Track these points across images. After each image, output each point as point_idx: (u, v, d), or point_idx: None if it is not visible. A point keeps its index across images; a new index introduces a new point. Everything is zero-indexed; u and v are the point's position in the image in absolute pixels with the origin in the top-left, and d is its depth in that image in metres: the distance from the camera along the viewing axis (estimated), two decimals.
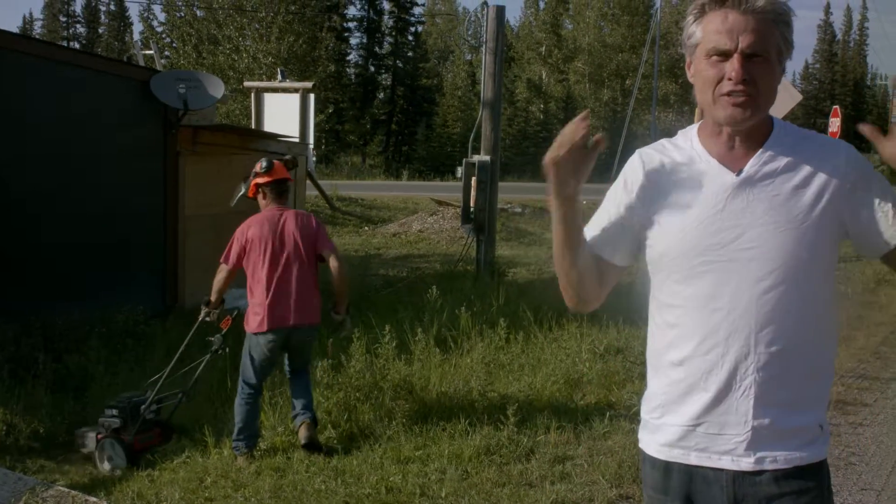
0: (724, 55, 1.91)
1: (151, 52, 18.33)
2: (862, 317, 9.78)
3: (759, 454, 1.95)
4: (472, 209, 12.80)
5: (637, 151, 2.14)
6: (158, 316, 9.08)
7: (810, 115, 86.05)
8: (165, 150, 9.83)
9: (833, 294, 2.05)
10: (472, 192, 12.81)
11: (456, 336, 7.56)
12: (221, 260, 5.92)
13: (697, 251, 1.96)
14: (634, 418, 5.90)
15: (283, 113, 19.24)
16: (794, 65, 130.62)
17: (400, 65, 55.08)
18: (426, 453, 5.27)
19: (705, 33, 1.94)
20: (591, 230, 2.15)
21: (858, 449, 5.59)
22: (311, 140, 20.19)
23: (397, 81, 54.96)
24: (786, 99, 14.54)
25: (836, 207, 1.94)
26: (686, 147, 2.06)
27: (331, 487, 4.77)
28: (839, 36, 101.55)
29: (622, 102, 57.39)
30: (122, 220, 9.33)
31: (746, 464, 1.96)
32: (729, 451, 1.97)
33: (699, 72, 1.97)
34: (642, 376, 6.53)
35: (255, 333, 5.67)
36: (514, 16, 78.68)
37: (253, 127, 19.23)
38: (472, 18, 65.38)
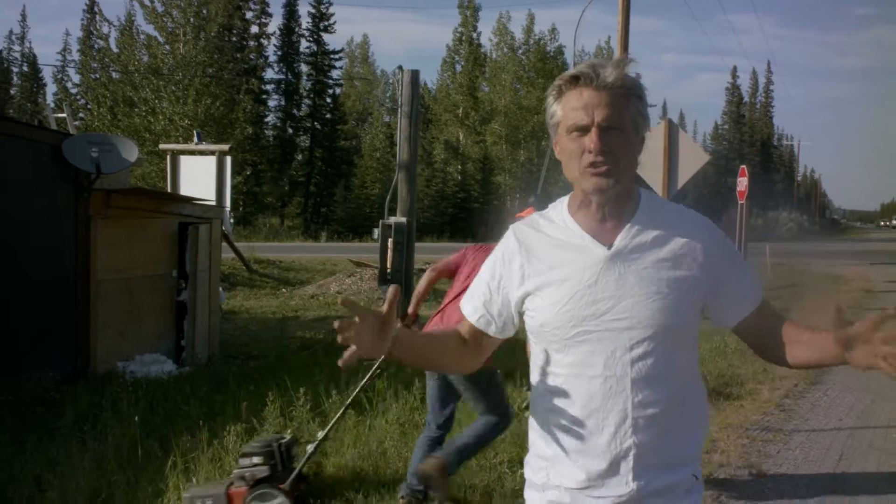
0: (583, 130, 2.04)
1: (64, 114, 18.09)
2: (766, 370, 10.09)
3: None
4: (389, 270, 12.92)
5: (511, 227, 2.26)
6: (69, 381, 8.90)
7: (721, 173, 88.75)
8: (77, 215, 9.71)
9: (697, 356, 2.20)
10: (389, 253, 12.94)
11: (372, 398, 7.59)
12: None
13: (574, 322, 2.08)
14: None
15: (199, 175, 19.19)
16: (705, 125, 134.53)
17: (318, 126, 55.34)
18: None
19: (564, 111, 2.08)
20: (473, 308, 2.28)
21: (761, 500, 5.77)
22: (228, 202, 20.16)
23: (315, 143, 55.16)
24: (694, 159, 15.01)
25: (698, 278, 2.09)
26: (559, 221, 2.19)
27: None
28: (746, 98, 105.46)
29: (538, 163, 58.49)
30: (32, 286, 9.17)
31: None
32: None
33: (563, 148, 2.11)
34: None
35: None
36: (431, 78, 79.76)
37: (169, 189, 19.13)
38: (390, 81, 66.15)
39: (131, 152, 10.00)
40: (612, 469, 2.07)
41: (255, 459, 5.18)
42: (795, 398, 9.06)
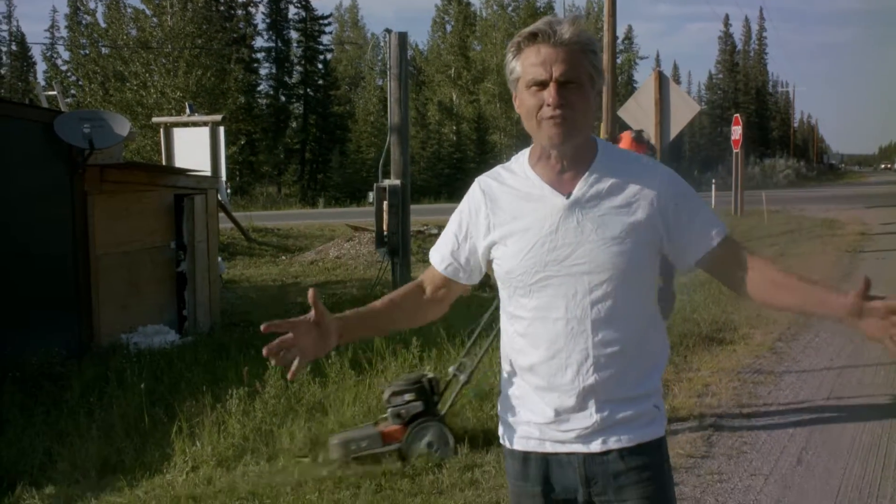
0: (542, 85, 2.15)
1: (55, 92, 18.12)
2: (760, 315, 10.25)
3: (605, 437, 2.22)
4: (385, 233, 13.02)
5: (476, 180, 2.39)
6: (74, 356, 9.06)
7: (716, 123, 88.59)
8: (72, 191, 9.81)
9: (654, 296, 2.33)
10: (385, 216, 13.04)
11: (371, 357, 7.74)
12: None
13: (537, 268, 2.21)
14: None
15: (193, 147, 19.23)
16: (699, 75, 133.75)
17: (311, 93, 55.12)
18: (344, 471, 5.44)
19: (523, 67, 2.18)
20: (441, 258, 2.42)
21: (750, 438, 5.94)
22: (224, 173, 20.21)
23: (309, 110, 54.97)
24: (685, 110, 15.08)
25: (655, 223, 2.21)
26: (520, 173, 2.30)
27: None
28: (740, 46, 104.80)
29: None
30: (32, 262, 9.29)
31: (595, 446, 2.22)
32: (579, 437, 2.23)
33: (523, 102, 2.22)
34: None
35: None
36: (422, 39, 79.30)
37: (163, 162, 19.20)
38: (381, 45, 65.80)
39: (123, 127, 10.09)
40: (578, 404, 2.21)
41: (408, 396, 5.43)
42: (788, 341, 9.22)
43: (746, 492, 5.04)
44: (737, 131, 29.97)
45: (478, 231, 2.33)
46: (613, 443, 2.22)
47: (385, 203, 13.05)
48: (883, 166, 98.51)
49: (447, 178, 52.76)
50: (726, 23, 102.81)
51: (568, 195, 2.21)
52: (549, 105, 2.14)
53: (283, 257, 20.50)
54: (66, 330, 9.57)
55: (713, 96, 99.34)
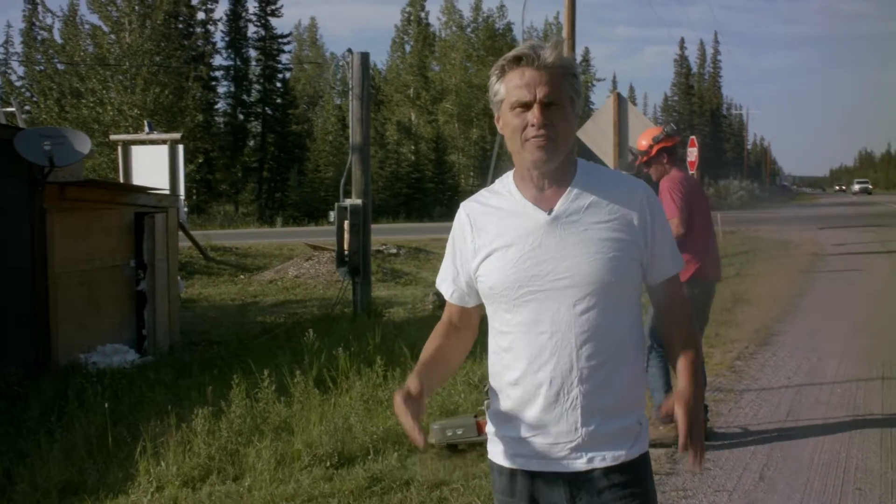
0: (526, 106, 2.24)
1: (12, 108, 17.90)
2: (719, 335, 10.39)
3: (589, 455, 2.28)
4: (346, 252, 13.01)
5: (461, 205, 2.46)
6: (31, 375, 8.94)
7: None
8: (31, 208, 9.70)
9: (639, 311, 2.39)
10: (346, 236, 13.03)
11: (335, 376, 7.73)
12: (672, 215, 6.10)
13: (520, 283, 2.27)
14: None
15: (151, 165, 19.08)
16: (655, 98, 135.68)
17: (269, 112, 54.91)
18: (310, 492, 5.42)
19: (508, 89, 2.27)
20: (447, 287, 2.48)
21: (713, 456, 6.01)
22: (182, 191, 20.06)
23: (267, 129, 54.75)
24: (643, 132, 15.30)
25: (636, 238, 2.29)
26: (504, 192, 2.38)
27: None
28: (695, 69, 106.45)
29: (491, 140, 58.68)
30: None
31: (579, 465, 2.28)
32: (563, 456, 2.28)
33: (507, 123, 2.30)
34: None
35: (706, 280, 6.31)
36: (381, 59, 79.36)
37: (121, 180, 19.00)
38: (339, 64, 65.82)
39: (84, 144, 10.00)
40: (563, 417, 2.26)
41: None
42: (746, 359, 9.36)
43: None
44: (693, 153, 30.33)
45: (466, 255, 2.40)
46: (598, 461, 2.28)
47: (346, 222, 13.04)
48: (836, 188, 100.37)
49: (406, 198, 52.83)
50: (682, 46, 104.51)
51: (549, 211, 2.27)
52: (533, 125, 2.22)
53: (242, 276, 20.36)
54: (23, 349, 9.44)
55: (669, 118, 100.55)
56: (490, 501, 5.06)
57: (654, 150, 6.61)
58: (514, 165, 2.39)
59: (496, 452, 2.42)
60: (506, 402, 2.36)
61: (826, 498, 5.29)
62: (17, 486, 5.95)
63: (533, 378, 2.28)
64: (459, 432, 5.99)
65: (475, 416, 6.16)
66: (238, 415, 6.36)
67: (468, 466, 5.75)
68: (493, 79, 2.31)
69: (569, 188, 2.31)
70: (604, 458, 2.27)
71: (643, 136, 6.80)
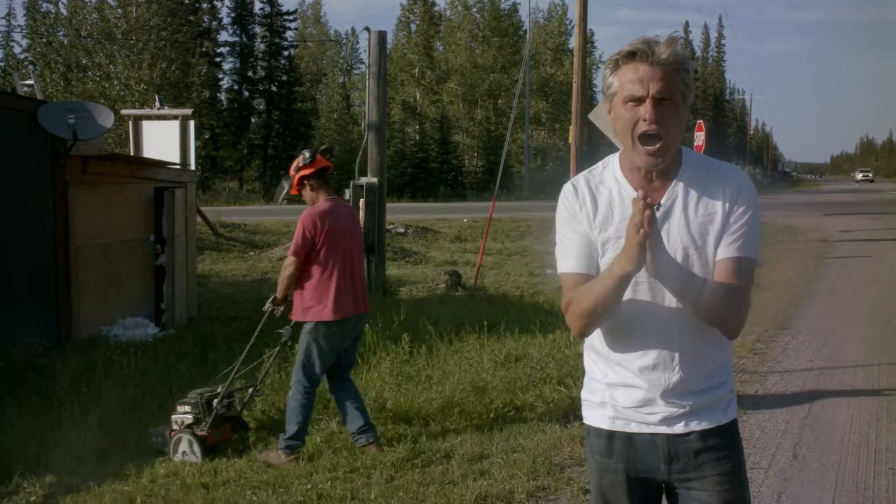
0: (638, 101, 2.29)
1: (31, 81, 17.87)
2: None
3: (687, 421, 2.40)
4: (361, 230, 13.03)
5: (570, 182, 2.49)
6: (55, 348, 8.99)
7: None
8: (54, 182, 9.71)
9: None
10: (361, 213, 13.05)
11: (362, 352, 7.78)
12: (291, 253, 5.84)
13: None
14: (543, 418, 6.27)
15: (162, 140, 19.03)
16: None
17: (274, 89, 54.76)
18: (352, 463, 5.49)
19: (621, 83, 2.32)
20: (576, 261, 2.43)
21: (746, 434, 6.07)
22: (193, 167, 20.05)
23: (272, 105, 54.60)
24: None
25: (725, 226, 2.36)
26: (610, 179, 2.44)
27: (262, 499, 4.94)
28: (699, 53, 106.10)
29: (496, 121, 58.60)
30: (11, 253, 9.18)
31: (679, 428, 2.40)
32: (664, 420, 2.40)
33: (618, 116, 2.35)
34: (543, 381, 6.93)
35: (328, 322, 5.75)
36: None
37: (132, 155, 18.98)
38: (343, 42, 65.63)
39: (107, 118, 10.00)
40: (664, 395, 2.38)
41: (186, 408, 6.10)
42: (767, 342, 9.43)
43: (749, 484, 5.16)
44: (700, 137, 30.28)
45: (588, 228, 2.42)
46: (695, 425, 2.40)
47: (361, 200, 13.07)
48: (861, 175, 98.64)
49: (411, 178, 52.75)
50: (686, 29, 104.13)
51: (657, 206, 2.32)
52: (644, 120, 2.28)
53: (252, 253, 20.39)
54: (46, 320, 9.48)
55: None
56: (533, 475, 5.14)
57: (295, 180, 5.96)
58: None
59: (594, 417, 2.51)
60: (609, 375, 2.46)
61: (860, 476, 5.36)
62: (52, 454, 6.01)
63: (638, 358, 2.39)
64: (158, 440, 6.13)
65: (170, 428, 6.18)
66: (274, 389, 6.41)
67: (507, 440, 5.82)
68: (607, 72, 2.37)
69: (674, 181, 2.39)
70: (700, 423, 2.39)
71: (293, 165, 6.08)
